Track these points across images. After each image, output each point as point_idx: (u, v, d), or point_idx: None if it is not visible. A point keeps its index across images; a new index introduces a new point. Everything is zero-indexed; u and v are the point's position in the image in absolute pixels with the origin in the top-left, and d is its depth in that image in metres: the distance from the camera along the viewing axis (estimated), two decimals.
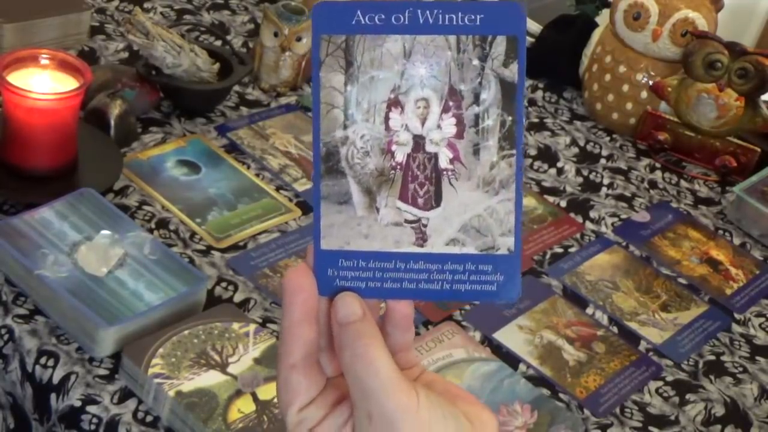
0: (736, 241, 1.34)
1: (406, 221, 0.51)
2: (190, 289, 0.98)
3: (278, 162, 1.25)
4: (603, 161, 1.45)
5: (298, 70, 1.37)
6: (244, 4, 1.58)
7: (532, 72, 1.60)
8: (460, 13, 0.50)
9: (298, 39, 1.35)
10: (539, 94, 1.57)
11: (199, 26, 1.47)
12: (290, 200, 1.19)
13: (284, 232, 1.14)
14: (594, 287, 1.19)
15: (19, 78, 1.05)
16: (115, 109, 1.17)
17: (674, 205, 1.39)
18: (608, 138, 1.51)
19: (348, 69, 0.51)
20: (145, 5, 1.50)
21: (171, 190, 1.15)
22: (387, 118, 0.51)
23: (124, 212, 1.06)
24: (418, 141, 0.51)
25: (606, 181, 1.40)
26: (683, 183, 1.45)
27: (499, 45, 0.50)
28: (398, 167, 0.51)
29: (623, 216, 1.34)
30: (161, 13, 1.50)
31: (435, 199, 0.51)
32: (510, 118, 0.50)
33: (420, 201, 0.51)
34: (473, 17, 0.50)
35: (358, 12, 0.50)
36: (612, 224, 1.31)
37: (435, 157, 0.51)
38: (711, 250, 1.31)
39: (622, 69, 1.48)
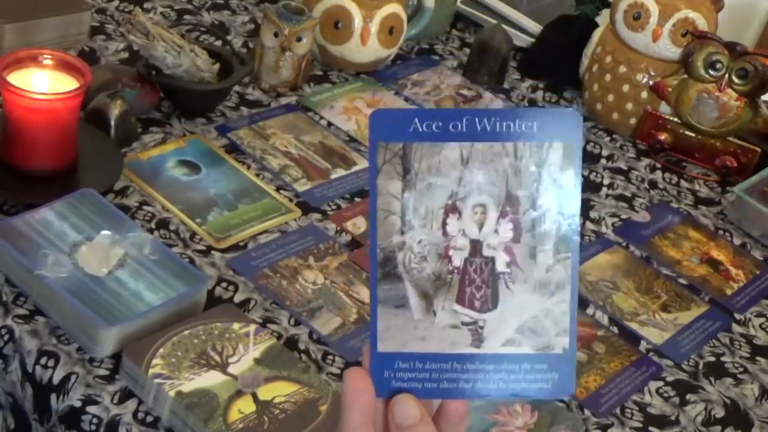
0: (737, 241, 1.34)
1: (463, 323, 0.52)
2: (191, 289, 0.98)
3: (278, 162, 1.25)
4: (603, 161, 1.45)
5: (298, 70, 1.37)
6: (244, 4, 1.58)
7: (533, 72, 1.60)
8: (517, 121, 0.51)
9: (299, 39, 1.35)
10: (539, 94, 1.57)
11: (199, 26, 1.47)
12: (290, 200, 1.19)
13: (284, 232, 1.14)
14: (594, 287, 1.19)
15: (19, 78, 1.05)
16: (116, 110, 1.17)
17: (674, 205, 1.39)
18: (608, 138, 1.51)
19: (405, 176, 0.51)
20: (145, 5, 1.50)
21: (171, 191, 1.15)
22: (444, 224, 0.52)
23: (124, 212, 1.06)
24: (475, 245, 0.52)
25: (606, 182, 1.40)
26: (683, 183, 1.45)
27: (556, 151, 0.51)
28: (455, 271, 0.52)
29: (623, 216, 1.34)
30: (161, 13, 1.50)
31: (492, 302, 0.52)
32: (566, 222, 0.52)
33: (477, 303, 0.52)
34: (530, 124, 0.51)
35: (416, 120, 0.51)
36: (612, 224, 1.31)
37: (492, 260, 0.52)
38: (711, 251, 1.31)
39: (622, 69, 1.48)
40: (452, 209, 0.52)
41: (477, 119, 0.51)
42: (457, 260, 0.52)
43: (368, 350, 0.53)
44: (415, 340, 0.52)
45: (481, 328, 0.52)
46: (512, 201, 0.52)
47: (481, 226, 0.52)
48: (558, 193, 0.51)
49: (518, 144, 0.51)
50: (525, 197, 0.52)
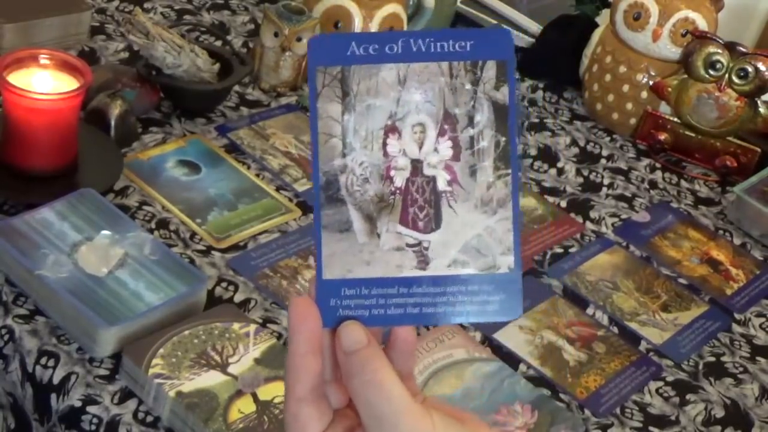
0: (737, 241, 1.34)
1: (408, 245, 0.52)
2: (191, 289, 0.98)
3: (278, 162, 1.25)
4: (603, 161, 1.45)
5: (298, 70, 1.37)
6: (244, 4, 1.58)
7: (533, 72, 1.60)
8: (451, 41, 0.52)
9: (299, 39, 1.35)
10: (539, 94, 1.57)
11: (199, 26, 1.47)
12: (290, 200, 1.19)
13: (284, 232, 1.14)
14: (594, 287, 1.19)
15: (19, 78, 1.05)
16: (116, 109, 1.17)
17: (674, 205, 1.39)
18: (608, 138, 1.51)
19: (344, 98, 0.52)
20: (145, 5, 1.50)
21: (171, 191, 1.15)
22: (385, 145, 0.52)
23: (124, 212, 1.06)
24: (416, 165, 0.52)
25: (606, 182, 1.40)
26: (683, 183, 1.45)
27: (490, 69, 0.52)
28: (398, 192, 0.52)
29: (623, 216, 1.34)
30: (161, 13, 1.50)
31: (435, 222, 0.52)
32: (504, 138, 0.52)
33: (420, 224, 0.52)
34: (464, 44, 0.52)
35: (353, 43, 0.52)
36: (612, 224, 1.31)
37: (433, 180, 0.52)
38: (711, 251, 1.31)
39: (622, 69, 1.48)
40: (392, 130, 0.52)
41: (412, 40, 0.52)
42: (399, 181, 0.52)
43: (314, 280, 0.52)
44: (360, 265, 0.51)
45: (426, 249, 0.52)
46: (450, 119, 0.52)
47: (421, 146, 0.52)
48: (494, 110, 0.52)
49: (453, 63, 0.52)
50: (462, 115, 0.52)
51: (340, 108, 0.52)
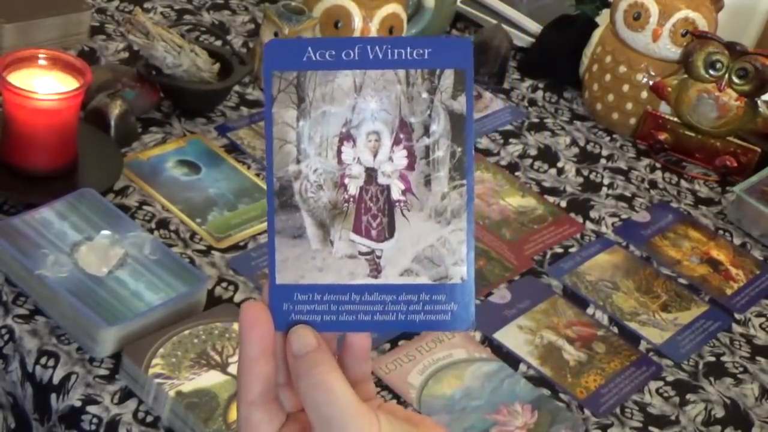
0: (737, 241, 1.34)
1: (360, 253, 0.52)
2: (191, 289, 0.98)
3: None
4: (603, 161, 1.45)
5: None
6: (244, 4, 1.58)
7: (532, 72, 1.60)
8: (408, 48, 0.51)
9: None
10: (539, 94, 1.57)
11: (199, 26, 1.47)
12: None
13: None
14: (594, 287, 1.19)
15: (19, 78, 1.05)
16: (116, 109, 1.17)
17: (674, 205, 1.39)
18: (608, 138, 1.51)
19: (300, 104, 0.52)
20: (145, 5, 1.50)
21: (171, 190, 1.15)
22: (339, 152, 0.52)
23: (124, 212, 1.06)
24: (371, 173, 0.52)
25: (606, 181, 1.40)
26: (683, 183, 1.45)
27: (447, 78, 0.52)
28: (351, 200, 0.52)
29: (623, 216, 1.34)
30: (161, 13, 1.50)
31: (388, 231, 0.52)
32: (460, 149, 0.52)
33: (373, 233, 0.52)
34: (421, 51, 0.51)
35: (309, 49, 0.51)
36: (612, 224, 1.31)
37: (387, 189, 0.52)
38: (711, 250, 1.31)
39: (622, 69, 1.48)
40: (347, 137, 0.52)
41: (369, 47, 0.51)
42: (353, 188, 0.52)
43: (267, 285, 0.52)
44: (313, 271, 0.52)
45: (378, 257, 0.52)
46: (405, 128, 0.52)
47: (375, 154, 0.52)
48: (450, 120, 0.52)
49: (410, 71, 0.51)
50: (418, 124, 0.52)
51: (296, 114, 0.51)
